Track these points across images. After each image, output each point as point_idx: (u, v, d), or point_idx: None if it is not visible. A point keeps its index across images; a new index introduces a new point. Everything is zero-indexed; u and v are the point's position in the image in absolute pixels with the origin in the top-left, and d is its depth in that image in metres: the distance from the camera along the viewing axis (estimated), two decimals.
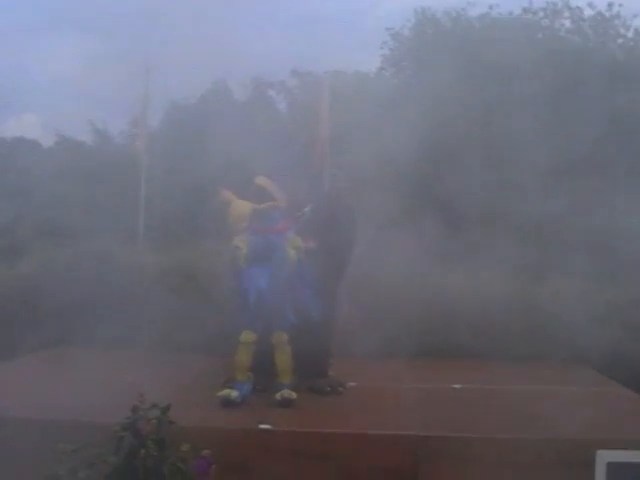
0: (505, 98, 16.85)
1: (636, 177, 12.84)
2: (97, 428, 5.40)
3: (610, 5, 21.78)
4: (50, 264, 11.55)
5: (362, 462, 6.22)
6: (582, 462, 6.02)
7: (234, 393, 7.30)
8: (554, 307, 10.44)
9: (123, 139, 25.54)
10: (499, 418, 7.11)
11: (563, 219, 12.62)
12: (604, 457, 5.94)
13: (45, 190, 25.69)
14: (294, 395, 7.39)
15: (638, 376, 9.36)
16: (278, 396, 7.34)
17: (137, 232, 14.03)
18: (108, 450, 4.94)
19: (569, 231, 12.42)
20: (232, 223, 7.73)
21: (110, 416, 5.41)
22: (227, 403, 7.20)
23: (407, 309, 9.83)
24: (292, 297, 7.65)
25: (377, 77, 23.02)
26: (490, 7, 22.54)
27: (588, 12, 22.00)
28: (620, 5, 21.67)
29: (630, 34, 21.27)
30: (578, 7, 22.17)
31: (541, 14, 22.50)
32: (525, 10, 22.40)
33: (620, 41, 21.62)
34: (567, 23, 22.44)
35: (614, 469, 5.93)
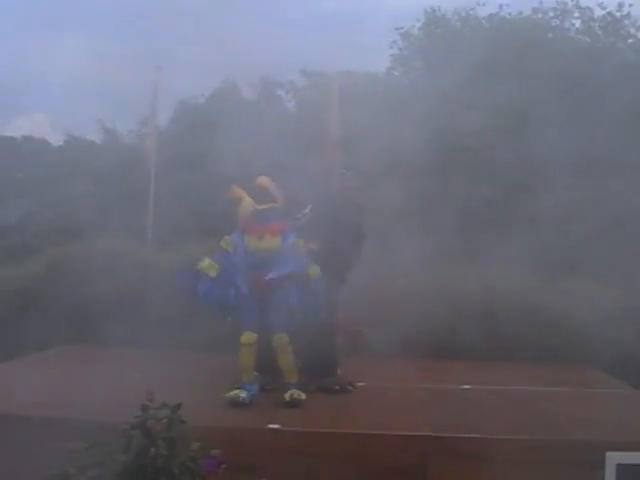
0: (514, 97, 16.84)
1: None
2: (106, 426, 5.40)
3: (620, 5, 21.78)
4: (59, 262, 11.56)
5: (372, 462, 6.21)
6: (591, 464, 5.99)
7: (243, 394, 7.30)
8: (564, 308, 10.42)
9: (132, 138, 25.68)
10: (508, 419, 7.09)
11: (573, 218, 12.61)
12: (614, 459, 5.92)
13: (54, 189, 25.82)
14: (303, 396, 7.39)
15: None
16: (287, 396, 7.34)
17: (146, 230, 14.05)
18: (118, 449, 4.94)
19: (580, 231, 12.41)
20: (240, 221, 7.77)
21: (119, 415, 5.41)
22: (236, 404, 7.21)
23: (416, 308, 9.80)
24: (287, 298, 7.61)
25: (386, 77, 23.04)
26: (500, 7, 22.59)
27: (598, 12, 22.01)
28: (630, 5, 21.69)
29: None
30: (588, 7, 22.20)
31: (551, 14, 22.49)
32: (535, 10, 22.45)
33: (630, 41, 21.57)
34: (577, 23, 22.42)
35: (624, 471, 5.91)
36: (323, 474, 6.21)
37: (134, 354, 9.97)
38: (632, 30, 21.82)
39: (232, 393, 7.30)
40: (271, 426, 6.49)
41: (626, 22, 21.98)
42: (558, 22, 22.51)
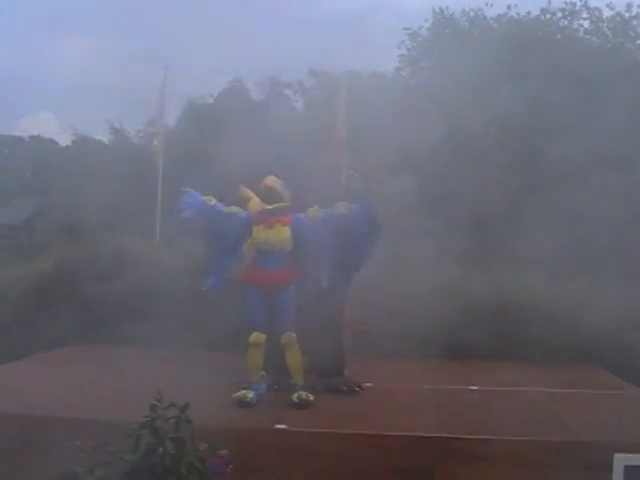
0: (522, 97, 16.82)
1: None
2: (114, 426, 5.41)
3: (629, 6, 21.72)
4: (67, 261, 11.59)
5: (379, 463, 6.21)
6: (599, 465, 6.00)
7: (250, 394, 7.31)
8: (571, 309, 10.40)
9: (140, 138, 25.72)
10: (516, 420, 7.07)
11: (583, 218, 12.59)
12: (622, 460, 5.92)
13: (62, 188, 25.88)
14: (311, 397, 7.39)
15: None
16: (295, 398, 7.34)
17: (154, 230, 14.09)
18: (126, 448, 4.95)
19: (585, 231, 12.39)
20: None
21: (128, 414, 5.42)
22: (243, 404, 7.22)
23: (424, 309, 9.79)
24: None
25: (394, 77, 23.03)
26: (508, 7, 22.55)
27: (607, 13, 21.95)
28: (639, 6, 21.58)
29: None
30: (597, 8, 22.14)
31: (559, 14, 22.44)
32: (543, 10, 22.40)
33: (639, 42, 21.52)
34: (586, 24, 22.37)
35: (632, 472, 5.91)
36: (330, 474, 6.21)
37: (142, 353, 9.98)
38: None
39: (239, 393, 7.32)
40: (278, 426, 6.50)
41: (635, 22, 21.93)
42: (566, 23, 22.47)
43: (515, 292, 10.67)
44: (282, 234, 7.60)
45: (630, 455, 5.94)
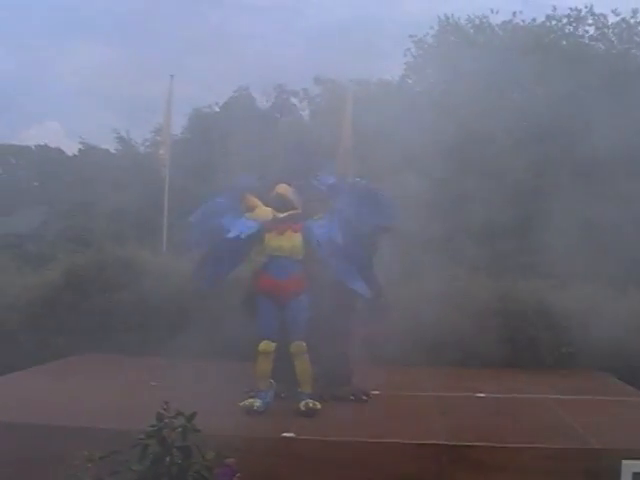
0: (529, 104, 16.84)
1: None
2: (122, 435, 5.42)
3: (635, 12, 21.70)
4: (75, 270, 11.61)
5: (386, 470, 6.20)
6: (607, 472, 5.98)
7: (257, 402, 7.31)
8: (578, 316, 10.39)
9: (147, 147, 25.81)
10: (523, 427, 7.06)
11: (588, 224, 12.58)
12: (630, 467, 5.90)
13: (69, 197, 25.94)
14: (318, 405, 7.38)
15: None
16: (302, 406, 7.33)
17: (161, 238, 14.11)
18: (133, 458, 4.96)
19: (588, 236, 12.39)
20: None
21: (135, 423, 5.43)
22: (250, 413, 7.22)
23: (430, 317, 9.79)
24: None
25: (400, 84, 23.04)
26: (513, 14, 22.56)
27: (612, 19, 21.94)
28: None
29: None
30: (602, 14, 22.12)
31: (565, 21, 22.43)
32: (548, 17, 22.38)
33: None
34: (591, 30, 22.35)
35: None
36: None
37: (150, 362, 10.00)
38: None
39: (247, 402, 7.32)
40: (286, 435, 6.50)
41: None
42: (572, 29, 22.47)
43: (524, 299, 10.66)
44: (294, 240, 7.61)
45: (638, 462, 5.92)
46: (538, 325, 10.48)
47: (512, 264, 12.83)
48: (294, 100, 26.62)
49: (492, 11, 22.99)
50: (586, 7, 22.31)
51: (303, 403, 7.36)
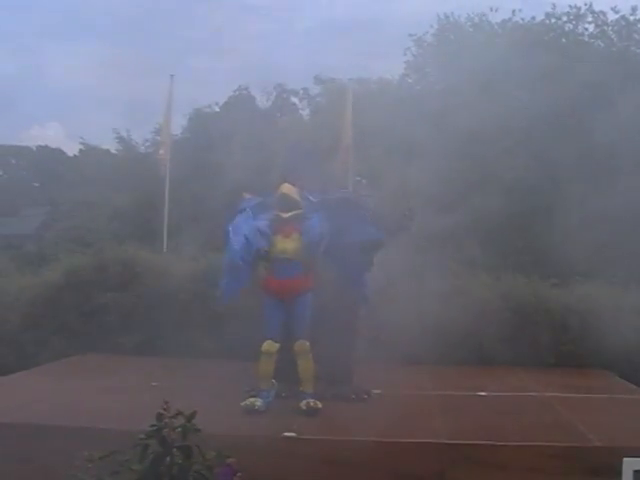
0: (528, 103, 16.81)
1: None
2: (122, 435, 5.41)
3: (634, 9, 21.64)
4: (76, 271, 11.60)
5: (388, 470, 6.19)
6: (609, 470, 5.96)
7: (258, 402, 7.30)
8: (580, 314, 10.38)
9: (147, 147, 25.78)
10: (524, 425, 7.05)
11: (590, 224, 12.56)
12: (631, 465, 5.88)
13: (70, 197, 25.93)
14: (319, 404, 7.37)
15: None
16: (303, 405, 7.32)
17: (161, 239, 14.09)
18: (133, 458, 4.94)
19: (590, 234, 12.37)
20: None
21: (136, 423, 5.42)
22: (251, 412, 7.21)
23: (431, 316, 9.78)
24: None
25: (400, 83, 23.02)
26: (513, 12, 22.51)
27: (612, 16, 21.89)
28: None
29: None
30: (602, 11, 22.08)
31: (564, 19, 22.38)
32: (548, 15, 22.33)
33: None
34: (591, 27, 22.30)
35: None
36: None
37: (150, 362, 10.00)
38: None
39: (248, 402, 7.30)
40: (287, 434, 6.48)
41: None
42: (571, 27, 22.42)
43: (523, 300, 10.64)
44: (297, 242, 7.60)
45: (639, 459, 5.91)
46: (540, 323, 10.47)
47: (514, 262, 12.80)
48: (294, 99, 26.62)
49: (491, 9, 22.94)
50: (585, 5, 22.27)
51: (304, 402, 7.35)
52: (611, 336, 9.78)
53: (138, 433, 4.98)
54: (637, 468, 5.85)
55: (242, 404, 7.27)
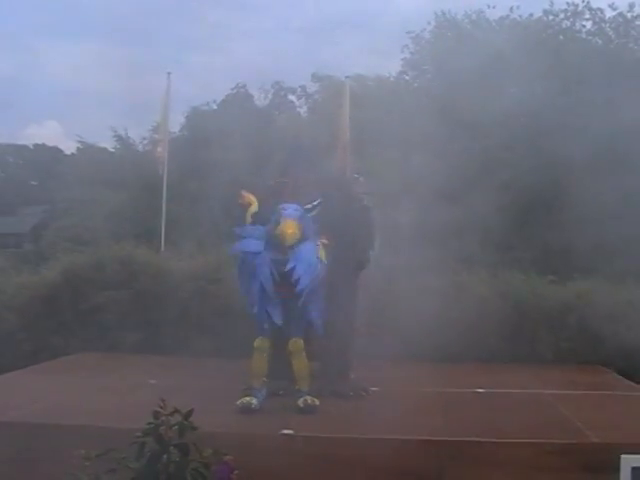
0: (526, 100, 16.82)
1: None
2: (119, 433, 5.41)
3: (631, 6, 21.69)
4: (74, 269, 11.58)
5: (386, 467, 6.17)
6: (606, 467, 5.96)
7: (254, 400, 7.27)
8: (578, 310, 10.39)
9: (145, 145, 25.80)
10: (523, 422, 7.04)
11: (588, 220, 12.57)
12: (629, 462, 5.88)
13: (68, 196, 25.94)
14: (317, 402, 7.34)
15: None
16: (300, 403, 7.29)
17: (159, 237, 14.09)
18: (130, 456, 4.94)
19: (588, 231, 12.38)
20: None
21: (133, 421, 5.42)
22: (247, 411, 7.18)
23: (429, 312, 9.77)
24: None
25: (398, 81, 23.04)
26: (510, 9, 22.55)
27: (609, 13, 21.94)
28: None
29: None
30: (599, 8, 22.14)
31: (562, 16, 22.43)
32: (546, 12, 22.39)
33: None
34: (588, 24, 22.35)
35: (639, 474, 5.87)
36: None
37: (148, 361, 9.99)
38: None
39: (244, 400, 7.28)
40: (284, 432, 6.47)
41: (637, 22, 21.88)
42: (569, 24, 22.45)
43: (520, 295, 10.64)
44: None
45: (637, 456, 5.90)
46: (538, 320, 10.47)
47: (512, 259, 12.80)
48: (292, 97, 26.64)
49: (489, 6, 23.00)
50: (583, 2, 22.33)
51: (302, 400, 7.33)
52: (609, 333, 9.79)
53: (135, 431, 4.98)
54: (635, 465, 5.85)
55: (237, 403, 7.24)
